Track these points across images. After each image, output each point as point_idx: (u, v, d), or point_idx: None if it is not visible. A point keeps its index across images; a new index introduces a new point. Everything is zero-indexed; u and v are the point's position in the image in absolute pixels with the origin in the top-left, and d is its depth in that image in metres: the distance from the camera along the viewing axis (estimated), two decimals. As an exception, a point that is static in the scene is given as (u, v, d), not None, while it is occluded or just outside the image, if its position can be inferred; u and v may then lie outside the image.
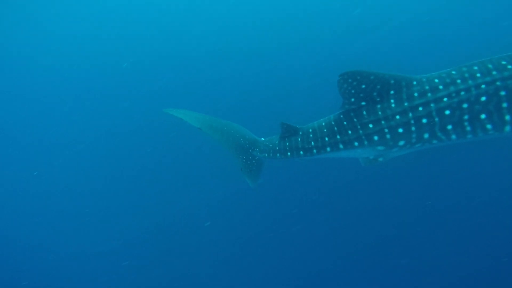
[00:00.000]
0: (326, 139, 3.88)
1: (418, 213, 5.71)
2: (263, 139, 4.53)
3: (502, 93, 3.12)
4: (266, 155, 4.33)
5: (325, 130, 3.93)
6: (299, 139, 4.09)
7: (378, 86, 3.59)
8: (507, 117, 3.20)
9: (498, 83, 3.15)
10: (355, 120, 3.73)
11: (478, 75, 3.28)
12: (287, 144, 4.18)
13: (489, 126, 3.28)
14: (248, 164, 4.54)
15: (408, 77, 3.58)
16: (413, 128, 3.43)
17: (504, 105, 3.16)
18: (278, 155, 4.23)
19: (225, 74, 10.10)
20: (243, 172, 4.56)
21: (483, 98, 3.18)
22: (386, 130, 3.55)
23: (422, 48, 8.35)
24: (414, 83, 3.54)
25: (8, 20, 12.29)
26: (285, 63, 9.81)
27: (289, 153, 4.15)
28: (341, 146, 3.80)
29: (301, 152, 4.06)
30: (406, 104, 3.49)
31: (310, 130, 4.04)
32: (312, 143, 3.96)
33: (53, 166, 9.78)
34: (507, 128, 3.26)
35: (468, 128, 3.32)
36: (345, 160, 3.99)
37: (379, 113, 3.61)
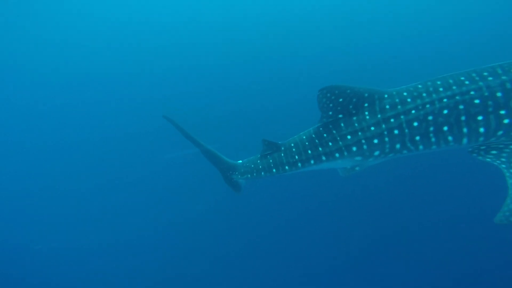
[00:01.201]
0: (309, 151, 3.97)
1: (408, 216, 5.82)
2: (240, 161, 4.53)
3: (461, 106, 3.33)
4: (249, 175, 4.33)
5: (307, 143, 4.02)
6: (282, 155, 4.14)
7: (354, 100, 3.76)
8: (465, 130, 3.39)
9: (457, 97, 3.37)
10: (334, 132, 3.86)
11: (441, 89, 3.47)
12: (271, 161, 4.20)
13: (450, 138, 3.47)
14: (228, 180, 4.62)
15: (380, 91, 3.77)
16: (386, 139, 3.61)
17: (463, 118, 3.36)
18: (263, 173, 4.25)
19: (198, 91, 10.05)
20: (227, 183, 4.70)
21: (445, 111, 3.38)
22: (363, 141, 3.71)
23: (398, 62, 8.65)
24: (386, 96, 3.71)
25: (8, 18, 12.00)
26: (258, 79, 9.82)
27: (274, 170, 4.17)
28: (323, 158, 3.91)
29: (287, 167, 4.10)
30: (379, 116, 3.66)
31: (292, 145, 4.11)
32: (296, 156, 4.03)
33: (52, 166, 9.60)
34: (465, 140, 3.45)
35: (433, 139, 3.51)
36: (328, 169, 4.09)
37: (356, 124, 3.76)
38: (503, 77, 3.25)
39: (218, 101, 9.78)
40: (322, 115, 3.90)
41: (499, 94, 3.20)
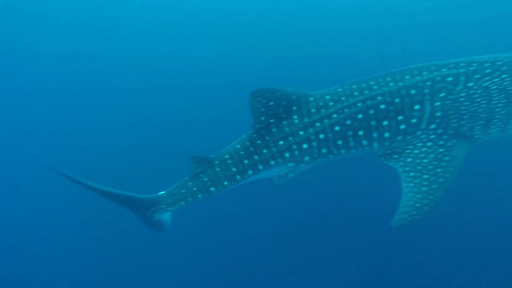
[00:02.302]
0: (246, 161, 3.74)
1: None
2: (163, 192, 3.86)
3: (371, 111, 3.51)
4: (183, 203, 3.79)
5: (242, 153, 3.76)
6: (218, 169, 3.77)
7: (284, 103, 3.66)
8: (375, 134, 3.56)
9: (368, 102, 3.51)
10: (267, 138, 3.72)
11: (356, 93, 3.57)
12: (206, 179, 3.77)
13: (364, 142, 3.62)
14: (144, 220, 3.92)
15: (306, 93, 3.74)
16: (314, 144, 3.65)
17: (373, 123, 3.53)
18: (200, 195, 3.78)
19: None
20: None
21: (360, 116, 3.53)
22: (294, 146, 3.67)
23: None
24: (311, 99, 3.70)
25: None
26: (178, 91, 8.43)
27: (212, 188, 3.77)
28: (260, 167, 3.75)
29: (226, 182, 3.77)
30: (306, 119, 3.65)
31: (227, 156, 3.80)
32: (234, 169, 3.75)
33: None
34: (375, 144, 3.62)
35: (352, 144, 3.63)
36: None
37: (286, 129, 3.68)
38: (400, 84, 3.50)
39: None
40: (255, 120, 3.76)
41: (397, 100, 3.45)
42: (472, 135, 3.48)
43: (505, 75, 3.42)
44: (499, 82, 3.40)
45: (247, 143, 3.80)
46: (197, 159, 3.80)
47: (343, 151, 3.71)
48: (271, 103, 3.65)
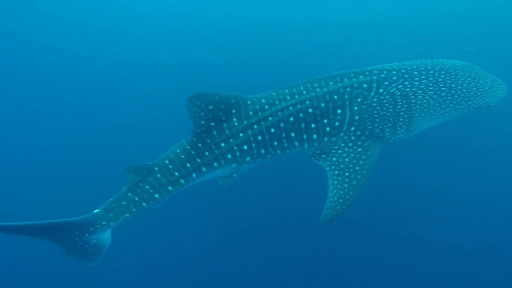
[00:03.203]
0: (188, 165, 3.78)
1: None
2: (97, 210, 3.63)
3: (301, 115, 3.80)
4: (127, 215, 3.65)
5: (183, 157, 3.80)
6: (159, 176, 3.73)
7: (223, 106, 3.76)
8: (305, 136, 3.86)
9: (298, 106, 3.79)
10: (208, 141, 3.81)
11: (288, 97, 3.82)
12: (148, 187, 3.70)
13: (296, 143, 3.91)
14: (78, 248, 3.55)
15: (243, 97, 3.91)
16: (253, 145, 3.85)
17: (303, 125, 3.82)
18: (144, 204, 3.69)
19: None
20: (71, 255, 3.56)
21: (291, 119, 3.80)
22: (236, 148, 3.82)
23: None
24: (249, 102, 3.88)
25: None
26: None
27: (157, 195, 3.73)
28: (204, 169, 3.83)
29: (170, 188, 3.76)
30: (245, 122, 3.82)
31: (167, 161, 3.80)
32: (176, 173, 3.76)
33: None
34: (306, 145, 3.93)
35: (286, 145, 3.90)
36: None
37: (227, 131, 3.81)
38: (325, 89, 3.85)
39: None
40: (195, 125, 3.80)
41: (322, 105, 3.80)
42: (384, 136, 4.01)
43: (406, 82, 3.99)
44: (402, 88, 3.97)
45: (188, 147, 3.83)
46: (134, 168, 3.67)
47: (279, 151, 3.97)
48: (211, 107, 3.72)
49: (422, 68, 4.12)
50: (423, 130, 4.20)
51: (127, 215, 3.68)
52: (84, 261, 3.63)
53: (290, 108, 3.82)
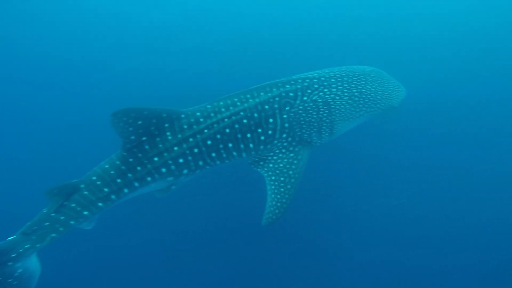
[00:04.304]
0: (118, 180, 3.64)
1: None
2: (12, 237, 3.33)
3: (236, 126, 3.90)
4: (54, 235, 3.42)
5: (112, 172, 3.65)
6: (86, 193, 3.57)
7: (154, 121, 3.68)
8: (242, 146, 3.97)
9: (233, 117, 3.88)
10: (140, 155, 3.70)
11: (223, 109, 3.89)
12: (74, 205, 3.52)
13: (235, 153, 3.99)
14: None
15: (176, 111, 3.88)
16: (190, 158, 3.84)
17: (239, 136, 3.92)
18: (72, 222, 3.51)
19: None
20: None
21: (227, 130, 3.88)
22: (170, 162, 3.77)
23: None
24: (183, 116, 3.86)
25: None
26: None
27: (86, 212, 3.57)
28: (136, 184, 3.72)
29: (100, 204, 3.61)
30: (179, 136, 3.79)
31: (94, 178, 3.63)
32: (106, 189, 3.62)
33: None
34: (244, 154, 4.05)
35: (224, 155, 3.96)
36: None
37: (160, 145, 3.74)
38: (257, 100, 3.98)
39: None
40: (124, 140, 3.67)
41: (255, 115, 3.93)
42: (311, 140, 4.33)
43: (326, 89, 4.33)
44: (322, 95, 4.30)
45: (117, 162, 3.71)
46: (56, 190, 3.44)
47: (218, 162, 4.02)
48: (140, 122, 3.61)
49: (338, 75, 4.52)
50: (345, 132, 4.61)
51: (53, 235, 3.44)
52: None
53: (226, 120, 3.90)
